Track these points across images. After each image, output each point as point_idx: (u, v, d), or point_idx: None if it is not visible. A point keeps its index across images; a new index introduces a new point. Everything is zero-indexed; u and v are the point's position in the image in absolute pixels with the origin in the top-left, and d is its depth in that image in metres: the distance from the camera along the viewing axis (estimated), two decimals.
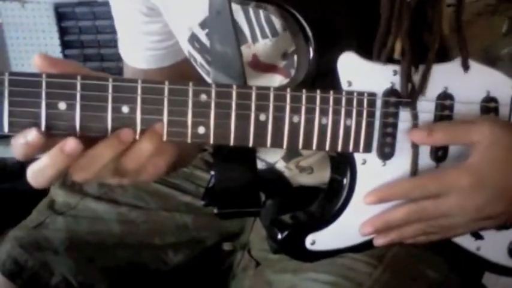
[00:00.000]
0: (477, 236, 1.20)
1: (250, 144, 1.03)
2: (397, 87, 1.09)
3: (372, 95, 1.08)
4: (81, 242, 1.49)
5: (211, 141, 1.00)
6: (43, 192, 1.59)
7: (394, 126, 1.10)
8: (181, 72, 1.45)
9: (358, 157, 1.10)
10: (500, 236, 1.21)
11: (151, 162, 1.01)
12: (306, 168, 1.35)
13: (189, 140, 0.99)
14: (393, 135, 1.10)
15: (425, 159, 1.14)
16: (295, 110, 1.04)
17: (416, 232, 1.12)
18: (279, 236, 1.13)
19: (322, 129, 1.06)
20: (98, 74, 0.97)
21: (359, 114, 1.07)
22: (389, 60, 1.09)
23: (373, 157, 1.11)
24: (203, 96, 0.98)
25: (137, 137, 0.96)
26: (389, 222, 1.11)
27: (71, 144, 0.90)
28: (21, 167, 2.64)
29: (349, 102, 1.07)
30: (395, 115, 1.10)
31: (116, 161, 0.96)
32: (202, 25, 1.28)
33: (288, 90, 1.03)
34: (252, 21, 1.24)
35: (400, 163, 1.12)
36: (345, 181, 1.12)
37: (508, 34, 1.16)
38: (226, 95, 1.00)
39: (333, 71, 1.07)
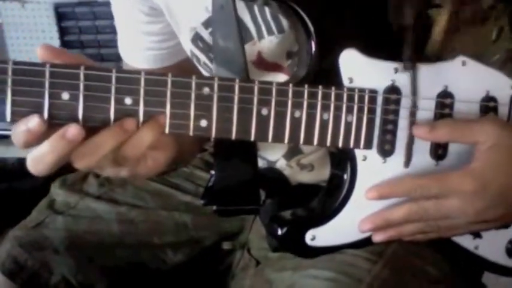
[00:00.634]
0: (475, 234, 1.20)
1: (252, 138, 1.03)
2: (398, 84, 1.10)
3: (373, 91, 1.09)
4: (80, 242, 1.48)
5: (213, 134, 1.00)
6: (43, 192, 1.59)
7: (395, 123, 1.11)
8: (181, 73, 1.45)
9: (359, 153, 1.11)
10: (499, 235, 1.22)
11: (151, 155, 1.01)
12: (306, 165, 1.35)
13: (191, 133, 0.99)
14: (393, 133, 1.11)
15: (425, 157, 1.14)
16: (297, 105, 1.04)
17: (415, 231, 1.13)
18: (279, 232, 1.14)
19: (324, 124, 1.06)
20: (102, 65, 0.97)
21: (360, 110, 1.08)
22: (390, 57, 1.10)
23: (373, 154, 1.11)
24: (206, 90, 0.99)
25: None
26: (389, 220, 1.11)
27: (73, 130, 0.90)
28: (21, 167, 2.66)
29: (350, 98, 1.07)
30: (396, 112, 1.10)
31: (117, 150, 0.96)
32: (206, 24, 1.29)
33: (290, 85, 1.04)
34: (257, 18, 1.24)
35: (400, 160, 1.13)
36: (346, 176, 1.12)
37: (497, 41, 1.17)
38: (229, 88, 1.00)
39: (335, 67, 1.08)
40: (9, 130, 0.94)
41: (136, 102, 0.95)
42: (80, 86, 0.92)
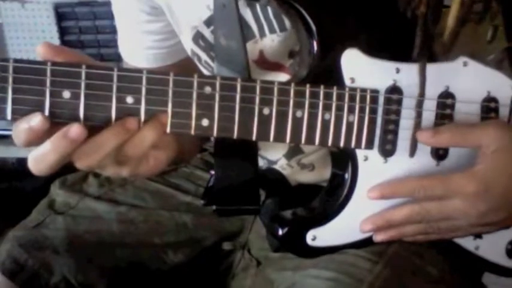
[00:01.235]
0: (476, 235, 1.20)
1: (253, 137, 1.03)
2: (400, 84, 1.10)
3: (375, 91, 1.09)
4: (80, 242, 1.48)
5: (215, 133, 1.00)
6: (43, 192, 1.59)
7: (396, 123, 1.11)
8: (181, 72, 1.45)
9: (360, 153, 1.11)
10: (499, 236, 1.21)
11: (152, 154, 1.01)
12: (307, 165, 1.35)
13: (192, 132, 0.99)
14: (395, 133, 1.11)
15: (426, 157, 1.14)
16: (298, 105, 1.04)
17: (416, 231, 1.13)
18: (280, 232, 1.14)
19: (325, 124, 1.06)
20: (103, 64, 0.97)
21: (361, 110, 1.08)
22: (392, 57, 1.10)
23: (374, 154, 1.11)
24: (207, 89, 0.99)
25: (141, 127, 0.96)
26: (390, 221, 1.11)
27: (75, 129, 0.90)
28: (21, 167, 2.66)
29: (352, 98, 1.07)
30: (398, 112, 1.10)
31: (118, 150, 0.96)
32: (207, 22, 1.29)
33: (292, 84, 1.04)
34: (260, 16, 1.24)
35: (402, 161, 1.13)
36: (347, 176, 1.12)
37: (492, 41, 1.17)
38: (231, 87, 1.00)
39: (337, 67, 1.08)
40: (10, 130, 0.94)
41: (137, 101, 0.95)
42: (81, 84, 0.92)
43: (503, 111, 1.17)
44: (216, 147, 1.24)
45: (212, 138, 1.06)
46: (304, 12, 1.05)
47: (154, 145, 0.98)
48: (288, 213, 1.16)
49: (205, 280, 1.54)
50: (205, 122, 0.99)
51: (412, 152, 1.12)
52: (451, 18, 1.10)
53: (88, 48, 2.49)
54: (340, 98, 1.06)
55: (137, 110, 0.95)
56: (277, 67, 1.28)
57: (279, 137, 1.04)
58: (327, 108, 1.06)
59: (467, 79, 1.14)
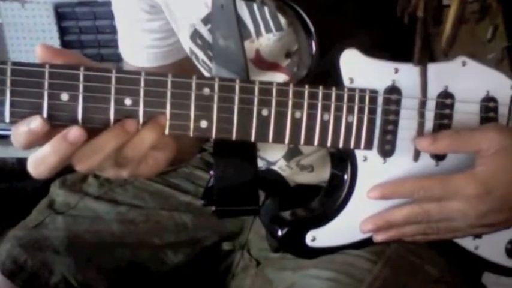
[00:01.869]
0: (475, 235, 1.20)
1: (252, 139, 1.03)
2: (399, 84, 1.10)
3: (374, 92, 1.09)
4: (80, 242, 1.48)
5: (213, 135, 1.00)
6: (43, 192, 1.59)
7: (395, 124, 1.11)
8: (182, 71, 1.45)
9: (359, 154, 1.11)
10: (498, 236, 1.21)
11: (151, 155, 1.01)
12: (306, 166, 1.35)
13: (191, 134, 0.99)
14: (394, 133, 1.11)
15: (425, 157, 1.14)
16: (297, 106, 1.04)
17: (416, 232, 1.13)
18: (279, 233, 1.14)
19: (324, 125, 1.06)
20: (101, 65, 0.97)
21: (360, 111, 1.08)
22: (391, 57, 1.10)
23: (374, 154, 1.11)
24: (206, 90, 0.99)
25: (139, 129, 0.96)
26: (390, 221, 1.11)
27: (74, 132, 0.90)
28: (21, 167, 2.66)
29: (350, 98, 1.07)
30: (397, 113, 1.10)
31: (118, 151, 0.96)
32: (205, 21, 1.29)
33: (291, 85, 1.04)
34: (256, 15, 1.24)
35: (401, 161, 1.13)
36: (346, 177, 1.12)
37: (492, 40, 1.17)
38: (229, 89, 1.00)
39: (335, 67, 1.08)
40: (9, 130, 0.94)
41: (136, 103, 0.95)
42: (80, 86, 0.92)
43: (503, 111, 1.18)
44: (215, 148, 1.24)
45: (211, 139, 1.06)
46: (302, 12, 1.05)
47: (153, 146, 0.98)
48: (287, 214, 1.16)
49: (205, 280, 1.55)
50: (203, 124, 0.99)
51: (416, 157, 1.12)
52: (450, 18, 1.10)
53: (88, 48, 2.49)
54: (339, 98, 1.06)
55: (136, 112, 0.95)
56: (274, 67, 1.28)
57: (278, 138, 1.04)
58: (325, 108, 1.06)
59: (467, 79, 1.14)
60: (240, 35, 1.13)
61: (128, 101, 0.95)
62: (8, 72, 0.89)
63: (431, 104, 1.13)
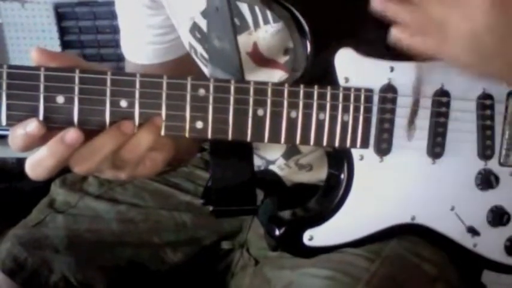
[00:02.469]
0: (474, 232, 1.20)
1: (248, 139, 1.03)
2: (394, 83, 1.10)
3: (369, 91, 1.09)
4: (80, 241, 1.49)
5: (209, 135, 1.01)
6: (43, 192, 1.59)
7: (391, 122, 1.11)
8: (182, 68, 1.46)
9: (356, 153, 1.11)
10: (497, 233, 1.22)
11: (149, 156, 1.01)
12: (305, 165, 1.35)
13: (187, 135, 1.00)
14: (390, 132, 1.11)
15: (421, 155, 1.14)
16: (292, 105, 1.04)
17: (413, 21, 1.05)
18: (277, 232, 1.14)
19: (320, 124, 1.06)
20: (97, 67, 0.98)
21: (356, 110, 1.08)
22: (386, 56, 1.10)
23: (370, 153, 1.12)
24: (201, 91, 0.99)
25: (135, 131, 0.96)
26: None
27: (71, 134, 0.91)
28: (21, 167, 2.66)
29: (346, 98, 1.08)
30: (392, 111, 1.11)
31: (115, 154, 0.96)
32: (204, 14, 1.29)
33: (286, 85, 1.04)
34: (255, 8, 1.24)
35: (397, 159, 1.13)
36: (342, 176, 1.12)
37: None
38: (225, 89, 1.00)
39: (331, 67, 1.08)
40: (9, 130, 0.94)
41: (131, 105, 0.96)
42: (75, 89, 0.93)
43: (499, 108, 1.18)
44: (211, 148, 1.24)
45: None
46: (296, 12, 1.05)
47: (150, 148, 0.98)
48: (285, 214, 1.17)
49: (204, 279, 1.55)
50: (199, 124, 1.00)
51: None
52: None
53: (88, 48, 2.49)
54: (335, 97, 1.07)
55: (131, 114, 0.96)
56: (271, 63, 1.29)
57: (274, 138, 1.05)
58: (321, 108, 1.06)
59: (463, 76, 1.14)
60: (235, 37, 1.13)
61: (123, 103, 0.95)
62: (4, 75, 0.90)
63: (427, 102, 1.13)
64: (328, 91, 1.06)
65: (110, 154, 0.96)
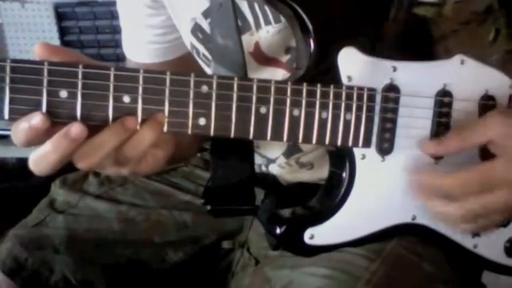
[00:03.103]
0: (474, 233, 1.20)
1: (251, 136, 1.03)
2: (397, 82, 1.10)
3: (372, 90, 1.09)
4: (81, 241, 1.49)
5: (212, 132, 1.01)
6: (43, 192, 1.59)
7: (393, 121, 1.11)
8: (183, 67, 1.46)
9: (358, 152, 1.11)
10: (497, 234, 1.22)
11: (151, 152, 1.01)
12: (306, 164, 1.35)
13: (189, 131, 0.99)
14: (392, 131, 1.11)
15: (424, 156, 1.14)
16: (295, 104, 1.04)
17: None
18: (278, 231, 1.14)
19: (322, 123, 1.06)
20: (100, 63, 0.98)
21: (359, 108, 1.08)
22: (389, 56, 1.10)
23: (372, 152, 1.11)
24: (204, 88, 0.99)
25: (138, 127, 0.96)
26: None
27: (76, 128, 0.91)
28: (21, 167, 2.66)
29: (349, 96, 1.07)
30: (395, 111, 1.11)
31: (118, 149, 0.96)
32: (205, 14, 1.30)
33: (289, 83, 1.04)
34: (255, 8, 1.25)
35: (399, 159, 1.13)
36: (344, 175, 1.12)
37: (494, 42, 1.17)
38: (228, 86, 1.00)
39: (334, 66, 1.08)
40: (9, 130, 0.94)
41: (134, 101, 0.95)
42: (78, 84, 0.92)
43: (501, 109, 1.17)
44: (211, 147, 1.24)
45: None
46: (300, 10, 1.06)
47: (152, 144, 0.98)
48: (286, 212, 1.17)
49: (204, 279, 1.55)
50: (202, 121, 1.00)
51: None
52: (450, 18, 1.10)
53: (88, 48, 2.49)
54: (337, 96, 1.07)
55: (134, 109, 0.96)
56: (273, 62, 1.29)
57: (276, 136, 1.04)
58: (324, 106, 1.06)
59: (465, 77, 1.14)
60: (238, 34, 1.13)
61: (126, 99, 0.95)
62: (8, 70, 0.90)
63: (429, 103, 1.13)
64: (331, 90, 1.06)
65: (112, 150, 0.96)
